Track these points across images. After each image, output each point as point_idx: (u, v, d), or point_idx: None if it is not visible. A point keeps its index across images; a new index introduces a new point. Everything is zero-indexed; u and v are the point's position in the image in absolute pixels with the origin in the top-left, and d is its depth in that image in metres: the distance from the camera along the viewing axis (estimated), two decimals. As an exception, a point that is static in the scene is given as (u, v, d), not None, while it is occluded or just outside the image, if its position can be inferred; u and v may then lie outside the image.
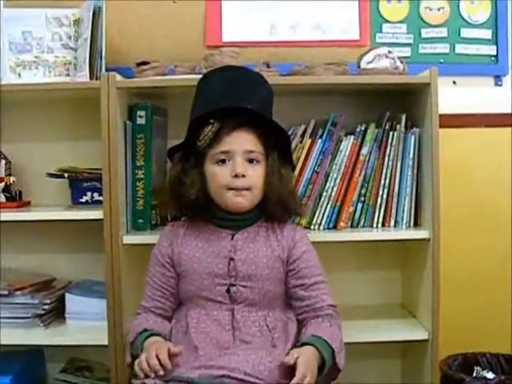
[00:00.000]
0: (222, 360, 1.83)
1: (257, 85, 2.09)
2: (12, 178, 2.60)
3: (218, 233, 2.09)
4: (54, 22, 2.53)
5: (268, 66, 2.45)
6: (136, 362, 1.88)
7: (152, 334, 1.98)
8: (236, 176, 1.99)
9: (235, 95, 2.01)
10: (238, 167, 1.99)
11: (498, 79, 2.84)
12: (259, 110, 2.01)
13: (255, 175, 2.03)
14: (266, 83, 2.12)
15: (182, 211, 2.15)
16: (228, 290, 2.03)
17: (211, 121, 1.98)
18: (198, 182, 2.04)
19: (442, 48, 2.80)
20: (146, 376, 1.82)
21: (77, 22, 2.54)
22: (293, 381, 1.77)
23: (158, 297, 2.11)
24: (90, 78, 2.43)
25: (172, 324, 2.10)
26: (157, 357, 1.82)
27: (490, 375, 2.60)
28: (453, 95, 2.74)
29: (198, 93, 2.11)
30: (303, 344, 1.92)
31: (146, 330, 2.00)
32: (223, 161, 2.02)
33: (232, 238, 2.07)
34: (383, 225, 2.48)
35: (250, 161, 2.03)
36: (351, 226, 2.47)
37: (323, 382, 1.96)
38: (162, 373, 1.80)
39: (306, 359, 1.83)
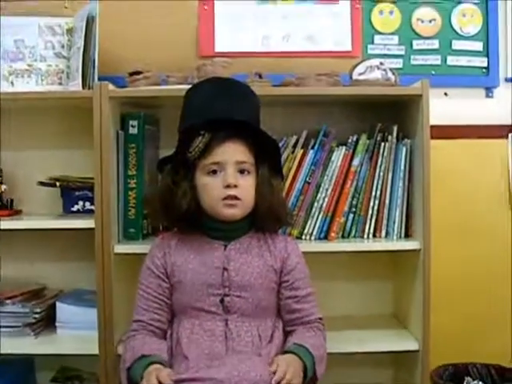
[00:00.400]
0: (211, 372, 1.83)
1: (245, 96, 2.10)
2: (3, 187, 2.59)
3: (211, 244, 2.09)
4: (46, 30, 2.54)
5: (260, 76, 2.45)
6: None
7: (151, 362, 1.94)
8: (228, 186, 1.99)
9: (225, 106, 2.01)
10: (229, 178, 1.99)
11: (489, 91, 2.86)
12: (250, 122, 2.02)
13: (246, 185, 2.04)
14: (254, 95, 2.13)
15: (173, 222, 2.15)
16: (222, 301, 2.03)
17: (202, 132, 1.98)
18: (189, 193, 2.04)
19: (434, 60, 2.82)
20: None
21: (70, 31, 2.54)
22: (274, 377, 1.81)
23: (154, 309, 2.09)
24: (83, 87, 2.42)
25: (167, 336, 2.10)
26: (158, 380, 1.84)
27: (481, 385, 2.61)
28: (444, 107, 2.76)
29: (187, 103, 2.11)
30: (285, 352, 1.96)
31: (143, 356, 1.97)
32: (214, 172, 2.02)
33: (225, 249, 2.07)
34: (374, 235, 2.48)
35: (241, 171, 2.03)
36: (342, 237, 2.47)
37: None
38: None
39: (287, 360, 1.88)
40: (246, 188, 2.04)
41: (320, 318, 2.13)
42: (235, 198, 2.01)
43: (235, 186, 2.00)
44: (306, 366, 1.94)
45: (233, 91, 2.08)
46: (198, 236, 2.11)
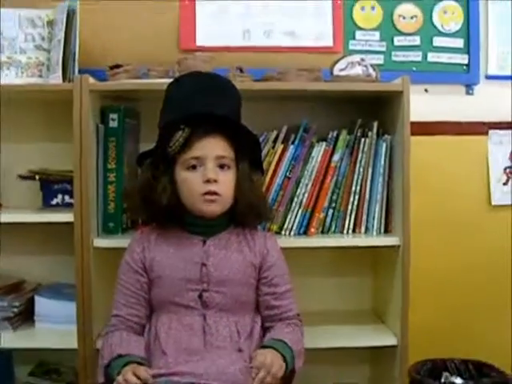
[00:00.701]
0: (190, 366, 1.83)
1: (226, 91, 2.10)
2: (-18, 180, 2.58)
3: (190, 239, 2.08)
4: (26, 22, 2.51)
5: (241, 70, 2.45)
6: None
7: (128, 362, 1.94)
8: (208, 181, 1.99)
9: (205, 101, 2.01)
10: (209, 172, 1.99)
11: (469, 88, 2.87)
12: (230, 117, 2.01)
13: (226, 181, 2.04)
14: (235, 89, 2.13)
15: (152, 217, 2.14)
16: (200, 296, 2.03)
17: (182, 126, 1.98)
18: (169, 188, 2.03)
19: (415, 56, 2.83)
20: None
21: (50, 24, 2.52)
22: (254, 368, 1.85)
23: (132, 304, 2.08)
24: (63, 80, 2.41)
25: (145, 331, 2.09)
26: (135, 375, 1.84)
27: (459, 381, 2.63)
28: (424, 103, 2.77)
29: (168, 98, 2.11)
30: (263, 347, 1.97)
31: (120, 356, 1.97)
32: (194, 166, 2.01)
33: (204, 244, 2.07)
34: (354, 231, 2.48)
35: (221, 166, 2.03)
36: (322, 232, 2.48)
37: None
38: None
39: (265, 354, 1.89)
40: (226, 183, 2.04)
41: (298, 314, 2.14)
42: (215, 193, 2.00)
43: (215, 181, 2.00)
44: (286, 359, 1.94)
45: (213, 86, 2.08)
46: (177, 231, 2.10)
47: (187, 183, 2.02)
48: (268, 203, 2.30)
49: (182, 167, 2.03)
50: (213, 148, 2.01)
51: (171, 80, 2.17)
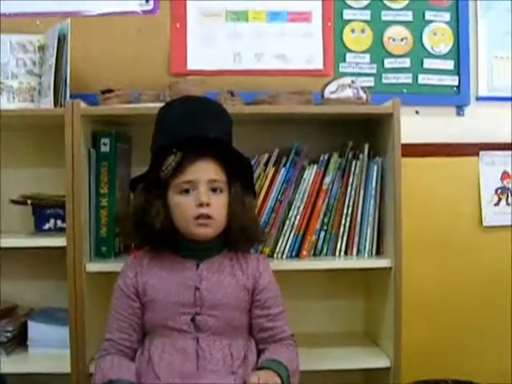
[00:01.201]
0: None
1: (217, 115, 2.10)
2: (-25, 205, 2.58)
3: (183, 263, 2.08)
4: (18, 47, 2.52)
5: (232, 94, 2.46)
6: None
7: None
8: (201, 205, 1.99)
9: (196, 125, 2.02)
10: (202, 196, 1.99)
11: (459, 109, 2.88)
12: (222, 140, 2.02)
13: (219, 204, 2.04)
14: (226, 113, 2.13)
15: (145, 241, 2.14)
16: (193, 319, 2.02)
17: (174, 150, 1.98)
18: (162, 212, 2.03)
19: (405, 78, 2.84)
20: None
21: (41, 48, 2.53)
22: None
23: (124, 329, 2.08)
24: (55, 105, 2.42)
25: (137, 355, 2.08)
26: None
27: (451, 402, 2.62)
28: (415, 125, 2.78)
29: (159, 122, 2.11)
30: (259, 368, 1.97)
31: (111, 381, 1.97)
32: (187, 191, 2.02)
33: (197, 268, 2.07)
34: (346, 253, 2.48)
35: (214, 190, 2.03)
36: (314, 255, 2.48)
37: None
38: None
39: (258, 374, 1.91)
40: (219, 206, 2.04)
41: (292, 335, 2.14)
42: (208, 217, 2.01)
43: (207, 205, 2.00)
44: (282, 378, 1.94)
45: (204, 110, 2.09)
46: (170, 255, 2.10)
47: (180, 207, 2.03)
48: (260, 226, 2.30)
49: (174, 191, 2.04)
50: (205, 172, 2.02)
51: (162, 104, 2.18)
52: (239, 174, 2.10)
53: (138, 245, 2.20)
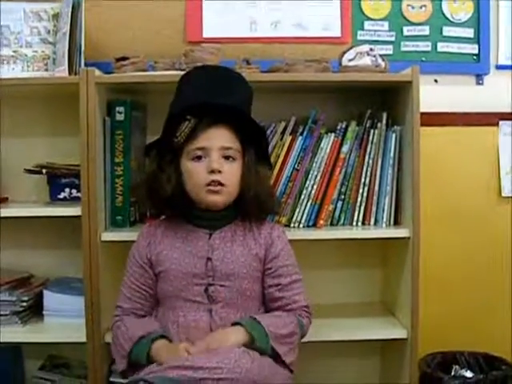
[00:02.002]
0: (202, 360, 1.81)
1: (236, 83, 2.09)
2: (-10, 174, 2.57)
3: (196, 233, 2.08)
4: (32, 16, 2.51)
5: (248, 62, 2.43)
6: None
7: (153, 340, 1.97)
8: (212, 172, 1.98)
9: (213, 92, 2.00)
10: (213, 163, 1.98)
11: (479, 78, 2.84)
12: (236, 108, 2.00)
13: (231, 172, 2.02)
14: (246, 83, 2.12)
15: (158, 208, 2.14)
16: (206, 290, 2.02)
17: (188, 117, 1.97)
18: (173, 179, 2.03)
19: (424, 46, 2.80)
20: None
21: (55, 17, 2.52)
22: None
23: (137, 298, 2.09)
24: (69, 73, 2.40)
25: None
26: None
27: (469, 374, 2.61)
28: (434, 93, 2.74)
29: (178, 90, 2.10)
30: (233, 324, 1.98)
31: (142, 337, 1.98)
32: (199, 157, 2.01)
33: (209, 238, 2.06)
34: (363, 223, 2.47)
35: (227, 158, 2.02)
36: (331, 224, 2.46)
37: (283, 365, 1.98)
38: None
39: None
40: (231, 174, 2.03)
41: (306, 306, 2.11)
42: (219, 183, 2.00)
43: (219, 172, 1.99)
44: (253, 336, 1.92)
45: (223, 77, 2.08)
46: (183, 224, 2.10)
47: (192, 173, 2.02)
48: (275, 196, 2.27)
49: (187, 158, 2.03)
50: (218, 139, 2.01)
51: (178, 72, 2.16)
52: (254, 143, 2.08)
53: (153, 213, 2.20)
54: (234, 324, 1.97)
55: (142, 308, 2.09)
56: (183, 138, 1.99)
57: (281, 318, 2.04)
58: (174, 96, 2.11)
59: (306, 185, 2.43)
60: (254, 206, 2.07)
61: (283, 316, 2.05)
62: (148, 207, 2.30)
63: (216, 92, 2.01)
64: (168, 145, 2.03)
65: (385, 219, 2.45)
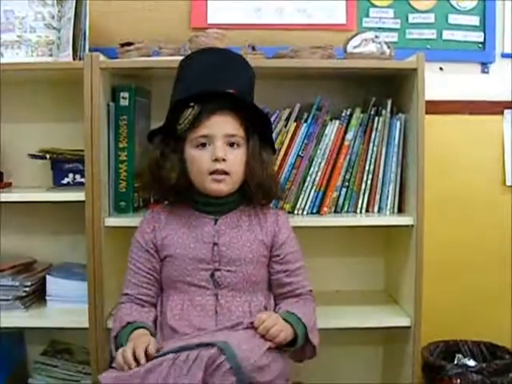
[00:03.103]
0: (206, 337, 1.82)
1: (239, 67, 2.08)
2: (-7, 159, 2.57)
3: (201, 218, 2.07)
4: (36, 1, 2.49)
5: (253, 48, 2.43)
6: (115, 355, 1.87)
7: (136, 328, 1.97)
8: (216, 160, 1.98)
9: (216, 78, 2.00)
10: (218, 151, 1.97)
11: (484, 66, 2.83)
12: (240, 94, 2.00)
13: (235, 159, 2.02)
14: (249, 66, 2.11)
15: (162, 195, 2.14)
16: (212, 275, 2.02)
17: (191, 104, 1.96)
18: (177, 167, 2.03)
19: (429, 34, 2.79)
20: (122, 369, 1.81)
21: (60, 2, 2.50)
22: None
23: (143, 283, 2.09)
24: (74, 59, 2.39)
25: (157, 311, 2.09)
26: (133, 352, 1.81)
27: (471, 363, 2.62)
28: (439, 81, 2.74)
29: (179, 75, 2.09)
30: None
31: (129, 323, 1.99)
32: (203, 145, 2.00)
33: (215, 223, 2.06)
34: (367, 210, 2.46)
35: (231, 145, 2.02)
36: (335, 212, 2.46)
37: (298, 358, 2.02)
38: (134, 367, 1.77)
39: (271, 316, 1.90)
40: (235, 162, 2.02)
41: (310, 291, 2.13)
42: (223, 172, 1.99)
43: (223, 160, 1.98)
44: (297, 334, 1.93)
45: (225, 62, 2.07)
46: (188, 209, 2.10)
47: (196, 161, 2.01)
48: (279, 182, 2.26)
49: (191, 145, 2.02)
50: (222, 126, 2.00)
51: (182, 57, 2.15)
52: (258, 130, 2.07)
53: (156, 199, 2.19)
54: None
55: (148, 293, 2.09)
56: (187, 125, 1.98)
57: (305, 307, 2.05)
58: (174, 80, 2.10)
59: (310, 172, 2.42)
60: (258, 191, 2.07)
61: (307, 305, 2.07)
62: (151, 194, 2.30)
63: (220, 78, 2.01)
64: (172, 132, 2.03)
65: (389, 207, 2.44)
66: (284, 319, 1.93)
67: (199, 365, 1.69)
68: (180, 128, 1.99)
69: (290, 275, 2.09)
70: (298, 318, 1.97)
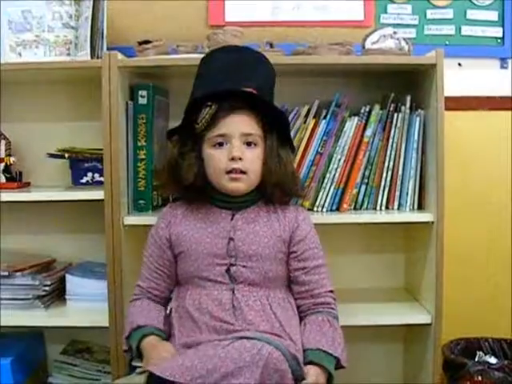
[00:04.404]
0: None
1: (258, 65, 2.07)
2: (12, 159, 2.57)
3: (218, 213, 2.07)
4: (54, 1, 2.49)
5: (271, 45, 2.43)
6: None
7: (145, 335, 1.99)
8: (233, 159, 1.97)
9: (234, 77, 1.99)
10: (235, 150, 1.97)
11: (503, 62, 2.81)
12: (257, 92, 1.98)
13: (253, 158, 2.01)
14: (268, 63, 2.10)
15: (180, 193, 2.13)
16: (228, 270, 2.01)
17: (209, 103, 1.95)
18: (195, 166, 2.02)
19: (448, 29, 2.77)
20: None
21: (78, 1, 2.50)
22: None
23: (154, 278, 2.10)
24: (91, 58, 2.40)
25: (173, 307, 2.08)
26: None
27: (493, 360, 2.60)
28: (458, 77, 2.72)
29: (199, 73, 2.09)
30: (309, 363, 1.93)
31: (139, 327, 2.01)
32: (220, 144, 1.99)
33: (232, 219, 2.05)
34: (387, 207, 2.46)
35: (248, 144, 2.01)
36: (354, 208, 2.45)
37: None
38: None
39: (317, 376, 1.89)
40: (252, 161, 2.01)
41: (331, 291, 2.10)
42: (240, 171, 1.99)
43: (240, 159, 1.98)
44: (331, 374, 1.93)
45: (244, 61, 2.05)
46: (205, 205, 2.09)
47: (213, 161, 2.01)
48: (298, 180, 2.22)
49: (208, 144, 2.01)
50: (239, 125, 1.99)
51: (200, 55, 2.15)
52: (276, 128, 2.06)
53: (176, 197, 2.19)
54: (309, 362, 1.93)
55: (157, 288, 2.10)
56: (204, 124, 1.98)
57: (331, 329, 2.01)
58: (194, 78, 2.09)
59: (330, 168, 2.41)
60: (276, 190, 2.05)
61: (333, 326, 2.02)
62: (170, 193, 2.29)
63: (238, 77, 1.99)
64: (189, 131, 2.02)
65: (408, 203, 2.44)
66: (315, 363, 1.92)
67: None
68: (198, 127, 1.99)
69: (307, 273, 2.06)
70: (329, 354, 1.94)
